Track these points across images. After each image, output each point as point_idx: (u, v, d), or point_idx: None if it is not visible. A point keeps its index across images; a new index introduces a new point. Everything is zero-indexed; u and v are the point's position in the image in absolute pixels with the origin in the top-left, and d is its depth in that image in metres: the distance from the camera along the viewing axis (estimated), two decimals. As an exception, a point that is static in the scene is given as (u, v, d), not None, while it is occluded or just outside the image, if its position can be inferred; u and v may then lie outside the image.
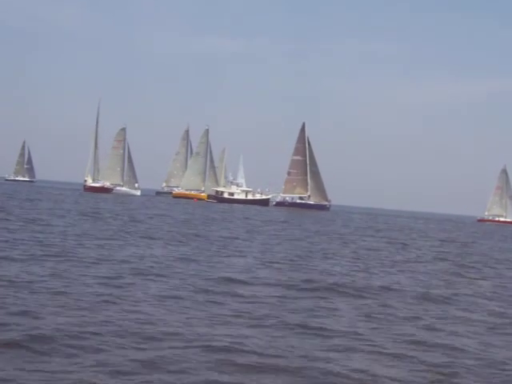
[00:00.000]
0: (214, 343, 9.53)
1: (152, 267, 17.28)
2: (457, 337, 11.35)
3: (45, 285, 13.28)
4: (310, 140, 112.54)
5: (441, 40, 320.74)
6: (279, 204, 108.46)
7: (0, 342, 8.74)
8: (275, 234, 35.65)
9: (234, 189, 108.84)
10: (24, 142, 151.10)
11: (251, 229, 39.46)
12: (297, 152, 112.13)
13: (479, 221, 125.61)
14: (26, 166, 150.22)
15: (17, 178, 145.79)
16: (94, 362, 8.27)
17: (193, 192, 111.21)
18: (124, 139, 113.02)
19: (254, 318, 11.72)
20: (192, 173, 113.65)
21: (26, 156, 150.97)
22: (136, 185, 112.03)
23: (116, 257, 18.94)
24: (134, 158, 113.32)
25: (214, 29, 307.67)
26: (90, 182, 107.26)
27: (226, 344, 9.54)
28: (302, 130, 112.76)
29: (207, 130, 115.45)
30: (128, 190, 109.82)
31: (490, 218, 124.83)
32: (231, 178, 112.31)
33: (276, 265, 20.26)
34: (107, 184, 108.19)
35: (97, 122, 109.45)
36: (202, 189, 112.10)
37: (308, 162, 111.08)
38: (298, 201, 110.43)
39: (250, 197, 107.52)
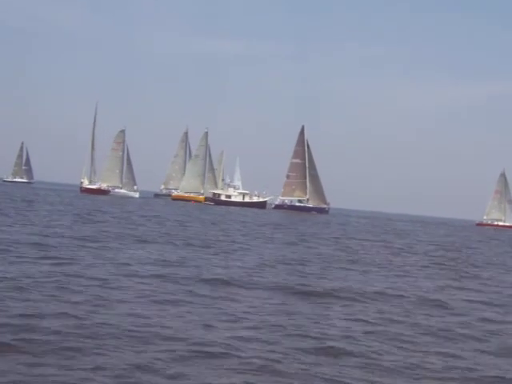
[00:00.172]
0: (211, 346, 9.55)
1: (146, 269, 17.22)
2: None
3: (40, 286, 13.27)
4: (310, 143, 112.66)
5: (441, 42, 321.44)
6: (278, 207, 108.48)
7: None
8: (271, 237, 35.57)
9: (231, 191, 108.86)
10: (22, 143, 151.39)
11: (247, 232, 39.40)
12: (296, 155, 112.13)
13: (478, 225, 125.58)
14: (24, 167, 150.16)
15: (15, 180, 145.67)
16: (91, 365, 8.28)
17: (192, 194, 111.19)
18: (123, 141, 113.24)
19: (250, 321, 11.70)
20: (191, 175, 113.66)
21: (25, 157, 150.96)
22: (135, 187, 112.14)
23: (111, 259, 18.88)
24: (132, 160, 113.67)
25: (214, 30, 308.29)
26: (86, 184, 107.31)
27: (223, 347, 9.57)
28: (302, 132, 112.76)
29: (206, 133, 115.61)
30: (126, 192, 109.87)
31: (489, 222, 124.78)
32: (228, 181, 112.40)
33: (272, 268, 20.21)
34: (104, 186, 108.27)
35: (94, 125, 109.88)
36: (201, 191, 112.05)
37: (307, 166, 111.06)
38: (297, 204, 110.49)
39: (247, 199, 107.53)
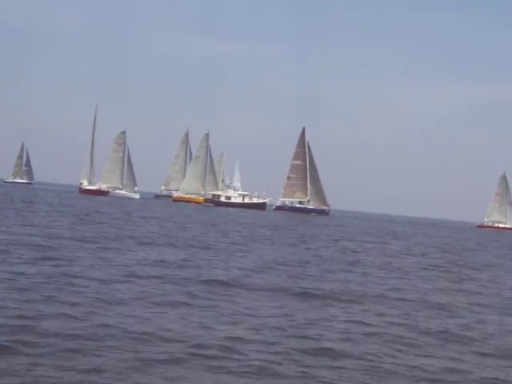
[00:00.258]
0: (210, 348, 9.54)
1: (146, 271, 17.20)
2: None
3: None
4: (310, 144, 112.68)
5: (441, 42, 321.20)
6: (279, 208, 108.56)
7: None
8: (270, 239, 35.53)
9: (230, 192, 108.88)
10: (23, 144, 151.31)
11: (247, 233, 39.37)
12: (297, 157, 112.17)
13: (479, 227, 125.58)
14: (24, 168, 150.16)
15: (15, 180, 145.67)
16: (89, 366, 8.27)
17: (193, 196, 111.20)
18: (124, 142, 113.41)
19: (249, 323, 11.67)
20: (192, 176, 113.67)
21: (25, 158, 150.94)
22: (135, 188, 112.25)
23: (110, 260, 18.86)
24: (133, 161, 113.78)
25: (214, 30, 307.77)
26: (85, 185, 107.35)
27: (222, 349, 9.56)
28: (302, 134, 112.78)
29: (207, 134, 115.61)
30: (127, 193, 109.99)
31: (490, 224, 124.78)
32: (228, 182, 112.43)
33: (271, 270, 20.18)
34: (103, 187, 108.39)
35: (94, 126, 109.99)
36: (202, 192, 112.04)
37: (308, 167, 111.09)
38: (298, 205, 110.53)
39: (246, 200, 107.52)
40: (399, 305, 15.28)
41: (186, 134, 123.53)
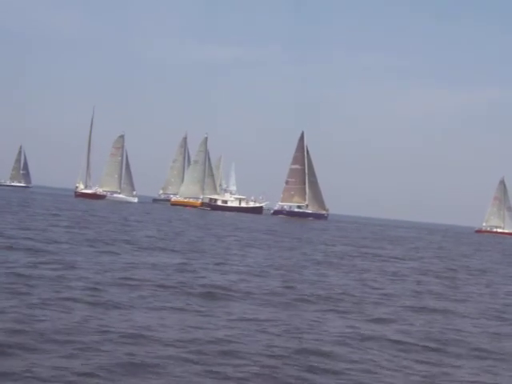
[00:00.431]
0: (206, 352, 9.56)
1: (142, 275, 17.20)
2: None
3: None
4: (309, 149, 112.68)
5: (441, 48, 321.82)
6: (277, 212, 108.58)
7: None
8: (267, 244, 35.51)
9: (227, 196, 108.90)
10: (20, 147, 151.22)
11: (242, 238, 39.35)
12: (295, 161, 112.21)
13: (477, 232, 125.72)
14: (22, 172, 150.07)
15: (12, 184, 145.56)
16: (85, 368, 8.29)
17: (191, 200, 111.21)
18: (122, 146, 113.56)
19: (244, 327, 11.68)
20: (190, 181, 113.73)
21: (22, 161, 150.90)
22: (133, 192, 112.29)
23: (105, 264, 18.85)
24: (131, 165, 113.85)
25: (213, 34, 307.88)
26: (81, 188, 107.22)
27: (217, 353, 9.58)
28: (301, 138, 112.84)
29: (206, 138, 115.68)
30: (124, 196, 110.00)
31: (488, 228, 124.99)
32: (225, 186, 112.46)
33: (266, 274, 20.19)
34: (100, 190, 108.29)
35: (90, 130, 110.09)
36: (201, 197, 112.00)
37: (306, 172, 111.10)
38: (296, 209, 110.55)
39: (243, 204, 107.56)
40: (395, 310, 15.29)
41: (185, 139, 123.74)
